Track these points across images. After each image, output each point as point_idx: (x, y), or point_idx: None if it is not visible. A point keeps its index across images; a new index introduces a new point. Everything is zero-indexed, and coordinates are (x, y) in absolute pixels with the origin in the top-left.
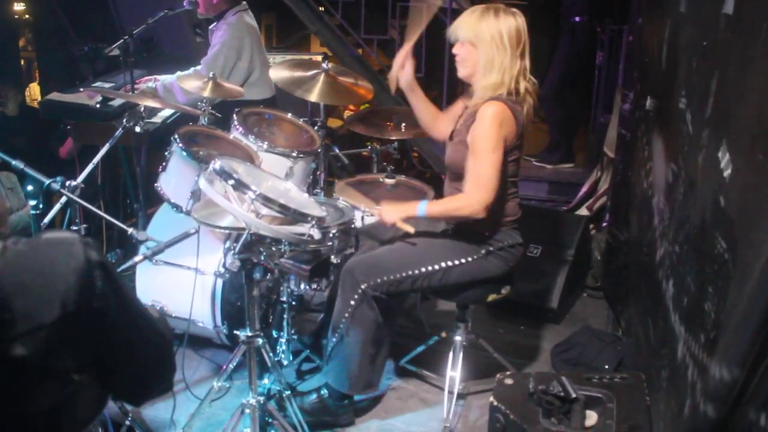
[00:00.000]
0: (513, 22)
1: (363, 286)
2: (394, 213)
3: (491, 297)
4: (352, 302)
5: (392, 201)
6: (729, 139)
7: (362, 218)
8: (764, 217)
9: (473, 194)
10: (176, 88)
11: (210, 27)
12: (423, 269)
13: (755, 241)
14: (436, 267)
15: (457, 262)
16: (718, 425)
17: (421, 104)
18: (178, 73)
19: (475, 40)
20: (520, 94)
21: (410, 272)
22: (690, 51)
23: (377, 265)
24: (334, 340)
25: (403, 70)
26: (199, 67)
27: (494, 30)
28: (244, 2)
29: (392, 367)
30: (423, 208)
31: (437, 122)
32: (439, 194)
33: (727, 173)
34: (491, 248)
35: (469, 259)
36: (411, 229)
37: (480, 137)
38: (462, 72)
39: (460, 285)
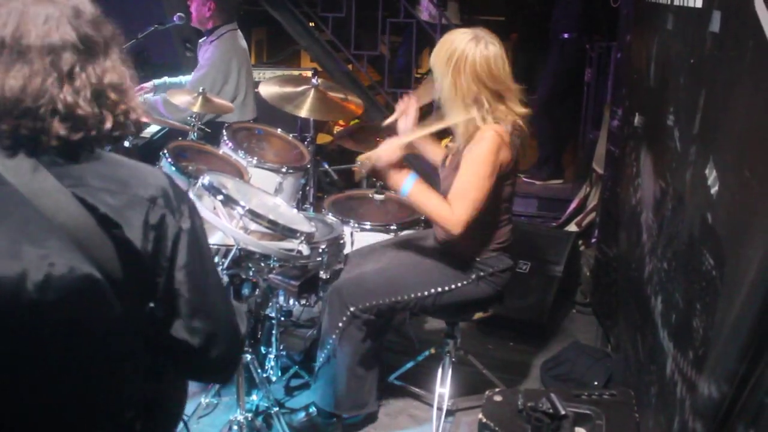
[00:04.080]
0: (470, 48)
1: (352, 309)
2: (387, 154)
3: (477, 315)
4: (341, 324)
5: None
6: (716, 156)
7: (351, 234)
8: (751, 233)
9: (456, 209)
10: (159, 106)
11: (200, 41)
12: (413, 295)
13: (743, 257)
14: (426, 293)
15: (447, 288)
16: None
17: (429, 147)
18: (163, 94)
19: (434, 68)
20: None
21: (400, 297)
22: (678, 68)
23: (366, 287)
24: (321, 359)
25: (404, 116)
26: (183, 77)
27: (448, 52)
28: (235, 22)
29: (381, 384)
30: (409, 186)
31: None
32: None
33: (714, 190)
34: (482, 273)
35: (459, 284)
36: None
37: (477, 158)
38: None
39: (451, 308)
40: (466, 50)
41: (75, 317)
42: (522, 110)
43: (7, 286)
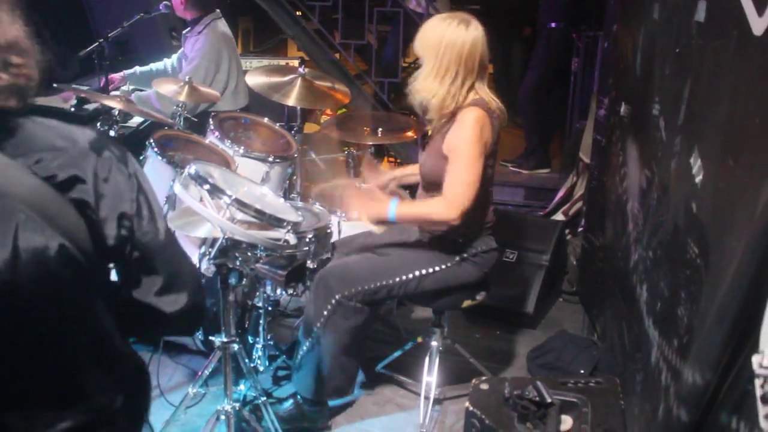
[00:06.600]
0: (461, 33)
1: (337, 296)
2: (370, 212)
3: (466, 303)
4: (326, 312)
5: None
6: (701, 145)
7: (338, 224)
8: (735, 222)
9: (451, 199)
10: (153, 100)
11: (184, 32)
12: (398, 278)
13: (727, 246)
14: (410, 276)
15: (431, 270)
16: (692, 429)
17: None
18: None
19: (421, 49)
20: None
21: (385, 282)
22: (663, 58)
23: (351, 274)
24: (305, 347)
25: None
26: (153, 65)
27: (437, 35)
28: (218, 11)
29: (369, 373)
30: (393, 211)
31: None
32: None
33: (698, 179)
34: (465, 255)
35: (443, 266)
36: (380, 230)
37: (463, 143)
38: None
39: (436, 292)
40: (455, 32)
41: (53, 294)
42: (494, 96)
43: None
